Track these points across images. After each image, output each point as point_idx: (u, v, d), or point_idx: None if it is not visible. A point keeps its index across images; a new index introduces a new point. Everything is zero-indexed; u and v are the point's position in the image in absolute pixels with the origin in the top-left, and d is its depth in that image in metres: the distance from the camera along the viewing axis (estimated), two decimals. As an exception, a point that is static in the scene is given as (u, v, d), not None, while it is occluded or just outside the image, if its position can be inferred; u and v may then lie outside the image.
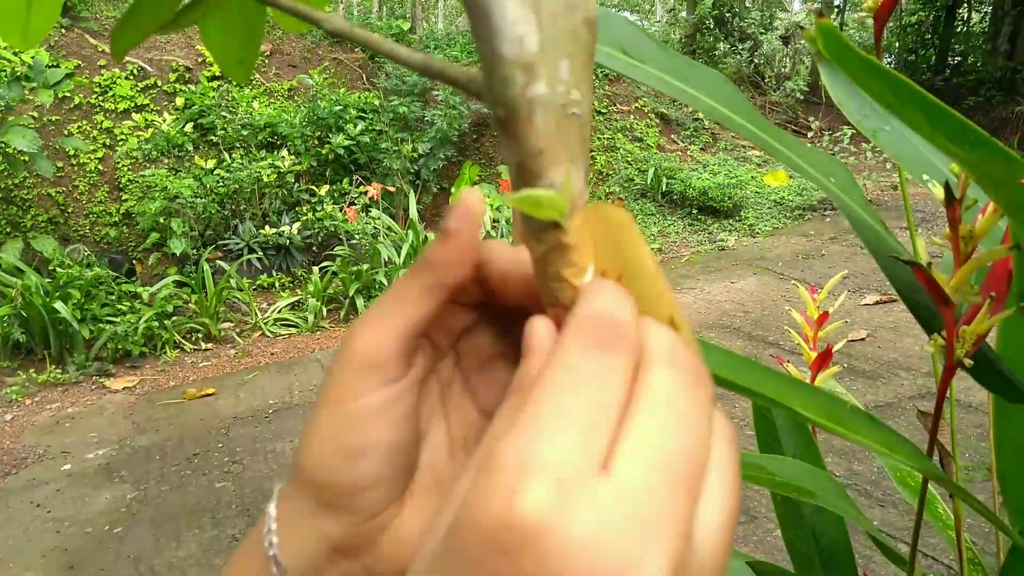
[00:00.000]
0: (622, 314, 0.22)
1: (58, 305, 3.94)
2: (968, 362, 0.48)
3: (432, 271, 0.28)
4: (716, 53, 8.74)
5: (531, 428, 0.19)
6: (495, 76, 0.23)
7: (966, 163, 0.40)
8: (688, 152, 7.35)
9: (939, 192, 0.49)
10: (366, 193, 5.33)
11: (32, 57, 4.35)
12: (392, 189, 5.49)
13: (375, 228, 5.05)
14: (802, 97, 8.59)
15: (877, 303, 4.26)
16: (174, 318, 4.39)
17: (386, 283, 4.72)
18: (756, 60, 8.84)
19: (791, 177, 6.80)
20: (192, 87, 5.75)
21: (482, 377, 0.31)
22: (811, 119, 8.15)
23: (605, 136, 7.00)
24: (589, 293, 0.23)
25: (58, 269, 4.26)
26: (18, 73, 4.28)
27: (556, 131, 0.24)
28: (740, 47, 8.77)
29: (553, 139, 0.24)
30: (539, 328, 0.24)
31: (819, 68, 0.59)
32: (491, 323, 0.31)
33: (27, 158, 4.33)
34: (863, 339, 3.73)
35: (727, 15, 8.79)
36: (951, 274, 0.49)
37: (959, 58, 10.26)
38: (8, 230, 4.84)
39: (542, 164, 0.24)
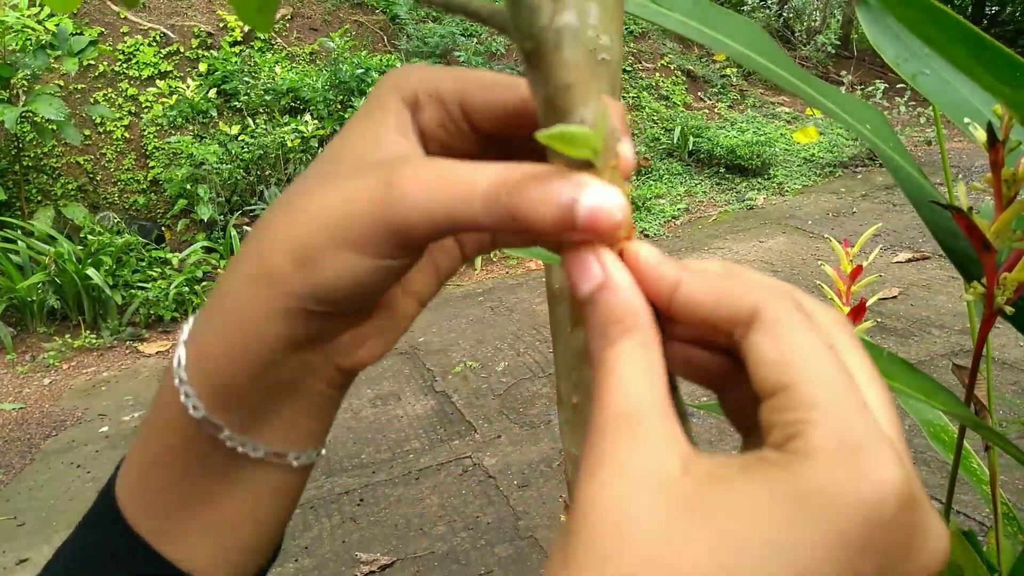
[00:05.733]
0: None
1: (91, 272, 4.00)
2: (1009, 310, 0.47)
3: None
4: (745, 6, 8.53)
5: (844, 406, 0.20)
6: (521, 5, 0.22)
7: (1011, 101, 0.39)
8: (715, 110, 7.22)
9: (981, 136, 0.48)
10: (390, 157, 5.31)
11: (56, 25, 4.36)
12: (416, 152, 5.46)
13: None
14: (833, 51, 8.38)
15: (909, 261, 4.19)
16: (204, 283, 4.44)
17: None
18: (785, 14, 8.62)
19: (821, 134, 6.65)
20: (215, 53, 5.74)
21: None
22: (843, 73, 7.95)
23: (630, 95, 6.89)
24: (738, 275, 0.24)
25: (89, 236, 4.32)
26: (43, 41, 4.29)
27: (586, 65, 0.23)
28: (769, 0, 8.55)
29: (583, 73, 0.23)
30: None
31: (856, 9, 0.57)
32: None
33: (55, 127, 4.37)
34: (895, 297, 3.67)
35: (755, -33, 8.56)
36: (992, 220, 0.47)
37: (996, 8, 9.92)
38: (39, 198, 4.90)
39: (572, 99, 0.23)
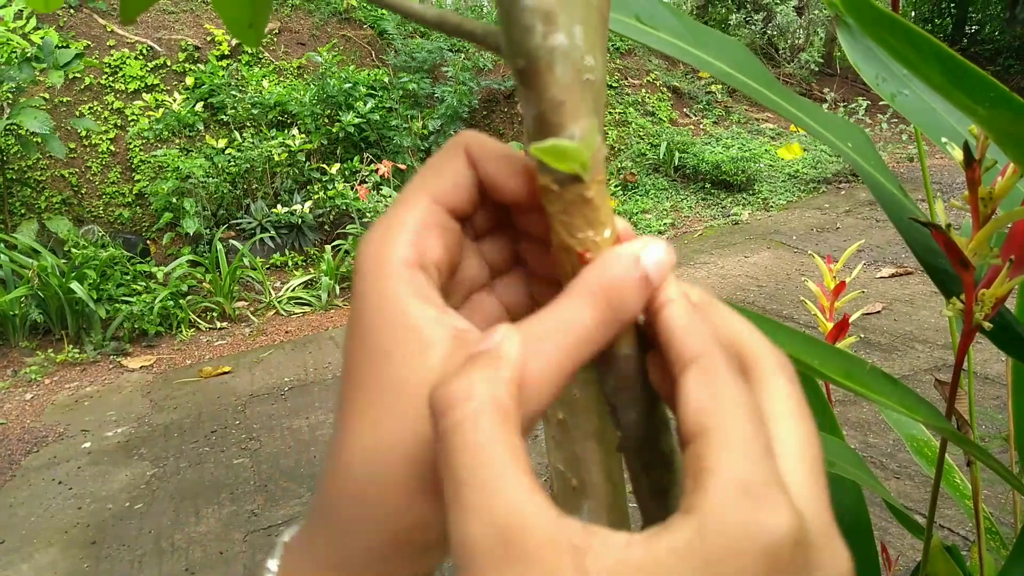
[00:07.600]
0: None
1: (74, 285, 3.97)
2: (987, 326, 0.48)
3: None
4: (729, 24, 8.62)
5: (747, 454, 0.22)
6: (515, 26, 0.23)
7: (986, 121, 0.39)
8: (701, 126, 7.28)
9: (958, 155, 0.49)
10: (377, 171, 5.32)
11: (42, 38, 4.34)
12: (403, 167, 5.47)
13: (386, 206, 5.04)
14: (816, 69, 8.48)
15: (892, 276, 4.23)
16: (189, 297, 4.42)
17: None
18: (769, 31, 8.71)
19: (805, 150, 6.72)
20: (201, 66, 5.74)
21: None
22: (825, 90, 8.05)
23: (617, 111, 6.94)
24: (705, 311, 0.26)
25: (73, 250, 4.29)
26: (28, 54, 4.28)
27: (576, 84, 0.24)
28: (754, 17, 8.65)
29: (574, 91, 0.24)
30: None
31: (837, 31, 0.58)
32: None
33: (39, 139, 4.35)
34: (878, 312, 3.71)
35: (740, -14, 8.66)
36: (970, 237, 0.48)
37: (976, 27, 10.09)
38: (23, 212, 4.87)
39: (563, 116, 0.24)
